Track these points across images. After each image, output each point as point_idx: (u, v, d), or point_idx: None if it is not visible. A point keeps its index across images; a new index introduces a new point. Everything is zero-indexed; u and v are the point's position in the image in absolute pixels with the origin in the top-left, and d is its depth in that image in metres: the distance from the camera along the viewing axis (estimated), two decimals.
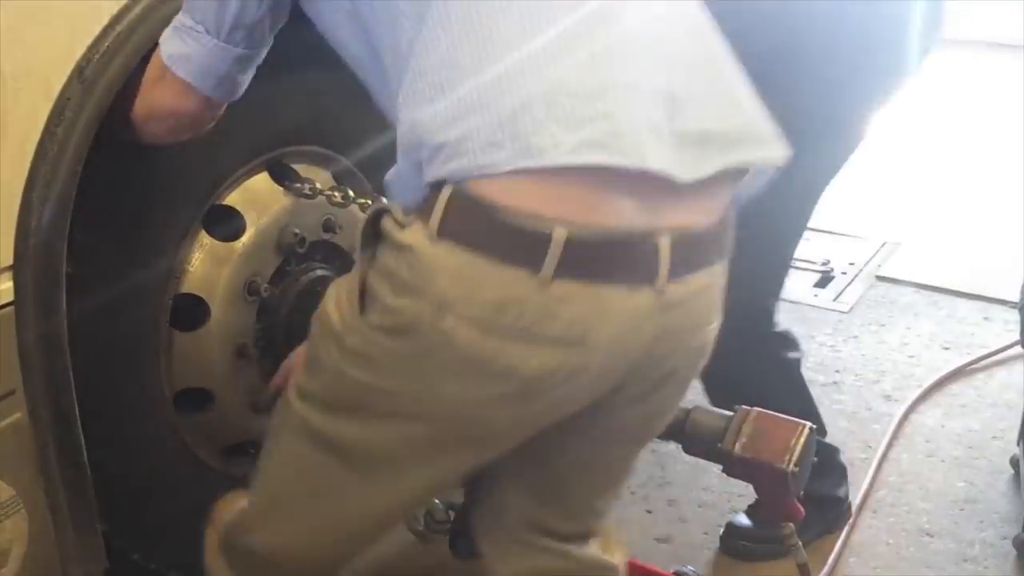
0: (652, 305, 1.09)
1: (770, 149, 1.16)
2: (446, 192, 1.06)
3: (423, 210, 1.08)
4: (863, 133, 2.08)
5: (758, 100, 1.17)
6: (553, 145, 1.02)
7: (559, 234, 1.03)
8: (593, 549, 1.40)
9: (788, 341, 2.19)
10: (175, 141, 1.39)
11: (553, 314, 1.05)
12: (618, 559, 1.44)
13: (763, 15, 1.87)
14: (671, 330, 1.13)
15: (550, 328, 1.06)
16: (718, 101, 1.13)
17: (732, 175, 1.14)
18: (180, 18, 1.28)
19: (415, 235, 1.08)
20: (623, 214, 1.06)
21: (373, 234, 1.13)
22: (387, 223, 1.12)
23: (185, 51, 1.28)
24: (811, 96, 1.89)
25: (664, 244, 1.08)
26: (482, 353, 1.06)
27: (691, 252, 1.11)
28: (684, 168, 1.07)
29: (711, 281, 1.17)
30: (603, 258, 1.06)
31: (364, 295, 1.13)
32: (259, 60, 1.33)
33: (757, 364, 2.11)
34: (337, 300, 1.17)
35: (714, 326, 1.21)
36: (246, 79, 1.34)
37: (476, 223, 1.04)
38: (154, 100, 1.33)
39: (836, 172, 2.11)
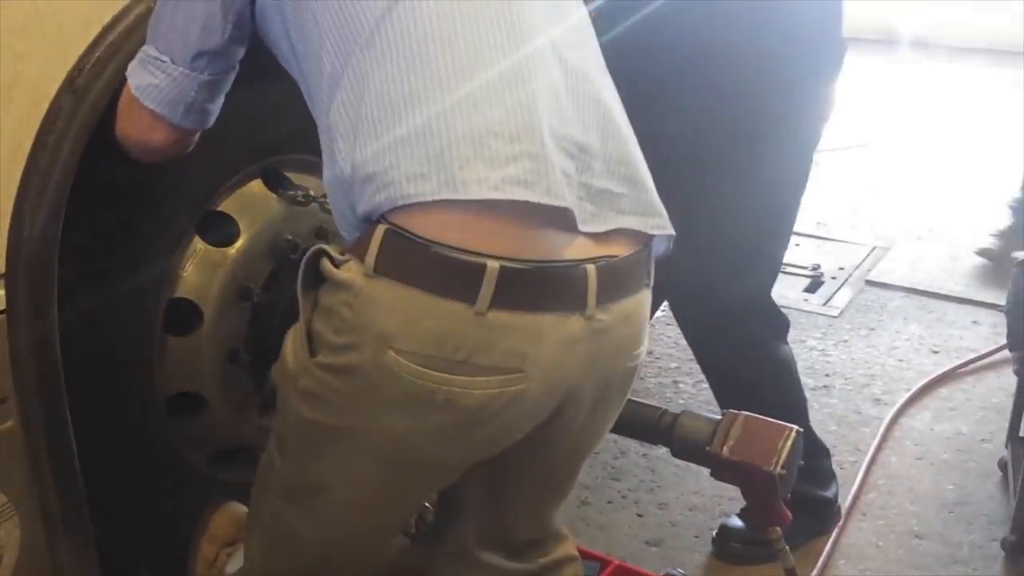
0: (583, 331, 1.14)
1: (660, 219, 1.23)
2: (380, 229, 1.10)
3: (358, 247, 1.12)
4: (809, 126, 2.08)
5: (648, 172, 1.25)
6: (477, 181, 1.07)
7: (492, 267, 1.07)
8: (542, 560, 1.45)
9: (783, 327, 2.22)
10: (155, 162, 1.40)
11: (491, 344, 1.09)
12: (567, 553, 1.48)
13: (699, 20, 1.92)
14: (601, 355, 1.18)
15: (488, 358, 1.10)
16: (623, 169, 1.20)
17: (632, 231, 1.20)
18: (145, 49, 1.29)
19: (351, 272, 1.12)
20: (550, 245, 1.12)
21: (313, 276, 1.17)
22: (325, 264, 1.15)
23: (152, 81, 1.28)
24: (753, 97, 1.93)
25: (591, 271, 1.13)
26: (424, 386, 1.10)
27: (615, 279, 1.16)
28: (583, 219, 1.13)
29: (636, 307, 1.22)
30: (536, 288, 1.10)
31: (311, 337, 1.17)
32: (227, 86, 1.34)
33: (759, 356, 2.14)
34: (292, 344, 1.21)
35: (642, 350, 1.26)
36: (216, 106, 1.34)
37: (410, 258, 1.09)
38: (125, 129, 1.34)
39: (800, 166, 2.11)
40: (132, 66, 1.30)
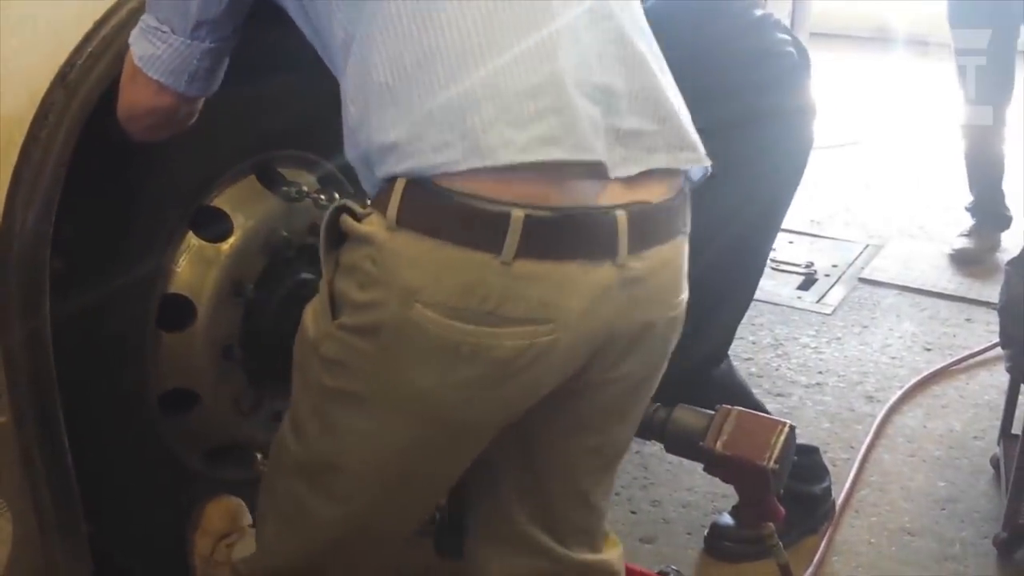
0: (614, 279, 1.11)
1: (693, 153, 1.19)
2: (401, 181, 1.07)
3: (379, 201, 1.10)
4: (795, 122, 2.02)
5: (685, 107, 1.20)
6: (504, 144, 1.04)
7: (517, 215, 1.05)
8: (590, 555, 1.41)
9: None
10: (159, 138, 1.38)
11: (518, 295, 1.06)
12: (615, 559, 1.45)
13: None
14: (636, 305, 1.15)
15: (516, 309, 1.07)
16: (650, 104, 1.15)
17: (665, 171, 1.16)
18: (145, 18, 1.27)
19: (374, 226, 1.09)
20: (578, 193, 1.08)
21: (334, 234, 1.15)
22: (346, 220, 1.13)
23: (154, 51, 1.26)
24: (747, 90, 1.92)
25: (621, 217, 1.10)
26: (452, 339, 1.08)
27: (647, 226, 1.13)
28: (613, 165, 1.10)
29: (672, 255, 1.19)
30: (563, 236, 1.07)
31: (334, 300, 1.15)
32: (228, 52, 1.31)
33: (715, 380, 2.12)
34: (312, 312, 1.19)
35: (681, 299, 1.23)
36: (219, 72, 1.32)
37: (434, 210, 1.06)
38: (130, 100, 1.32)
39: (790, 164, 2.05)
40: (134, 34, 1.28)
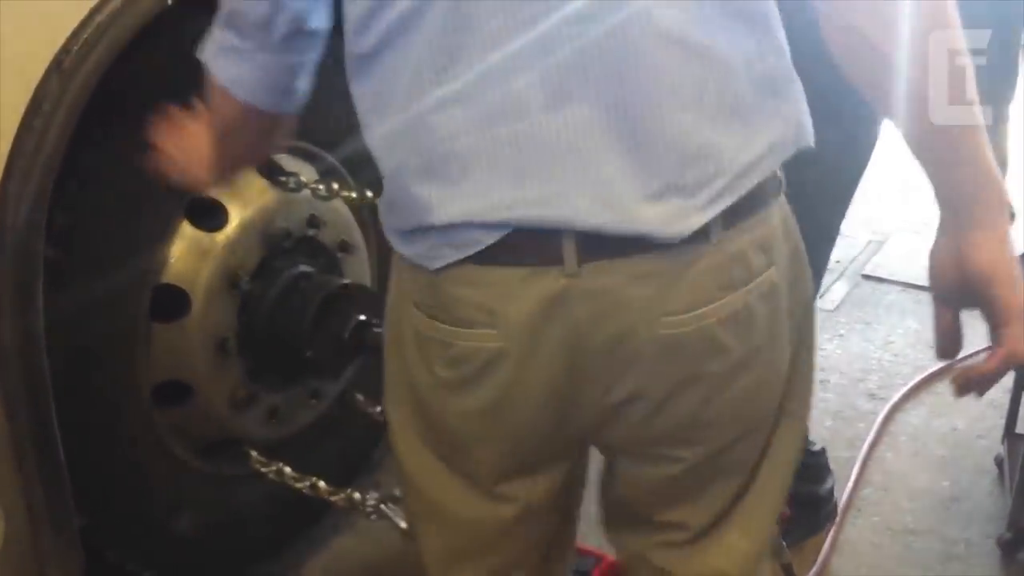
0: (560, 291, 0.99)
1: (748, 179, 1.01)
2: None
3: None
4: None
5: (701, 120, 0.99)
6: (474, 242, 1.02)
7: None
8: None
9: None
10: (261, 159, 1.38)
11: (456, 299, 1.04)
12: None
13: None
14: (601, 320, 1.00)
15: (459, 311, 1.04)
16: (676, 149, 0.97)
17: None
18: (221, 35, 1.12)
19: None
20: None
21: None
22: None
23: (239, 73, 1.13)
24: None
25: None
26: (426, 333, 1.08)
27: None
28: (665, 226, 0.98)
29: (656, 268, 0.99)
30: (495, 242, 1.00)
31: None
32: (312, 65, 1.17)
33: None
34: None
35: (684, 317, 1.01)
36: (303, 86, 1.18)
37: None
38: (220, 119, 1.19)
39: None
40: (211, 51, 1.14)
